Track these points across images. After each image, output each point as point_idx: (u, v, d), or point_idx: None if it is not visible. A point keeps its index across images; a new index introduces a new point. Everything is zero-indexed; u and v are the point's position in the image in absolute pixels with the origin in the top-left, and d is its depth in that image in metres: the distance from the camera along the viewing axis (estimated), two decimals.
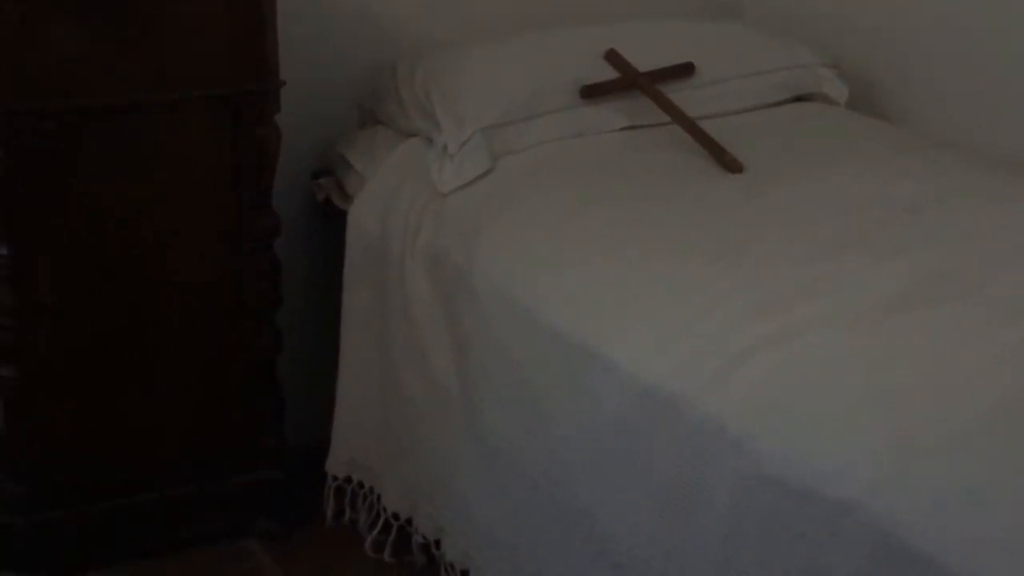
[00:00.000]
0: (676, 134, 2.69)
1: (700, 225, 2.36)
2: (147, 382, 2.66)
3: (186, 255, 2.63)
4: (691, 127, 2.68)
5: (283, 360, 2.78)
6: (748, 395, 1.92)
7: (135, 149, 2.54)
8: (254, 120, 2.60)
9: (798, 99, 2.98)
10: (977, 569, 1.60)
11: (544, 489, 2.24)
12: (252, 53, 2.56)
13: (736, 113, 2.84)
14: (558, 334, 2.23)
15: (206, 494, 2.76)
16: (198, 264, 2.64)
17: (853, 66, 3.06)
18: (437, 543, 2.56)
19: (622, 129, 2.76)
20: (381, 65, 2.93)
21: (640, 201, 2.47)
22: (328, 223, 2.93)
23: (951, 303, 2.05)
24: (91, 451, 2.65)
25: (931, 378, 1.88)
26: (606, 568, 2.10)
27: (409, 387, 2.59)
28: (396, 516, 2.67)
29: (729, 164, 2.57)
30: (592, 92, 2.76)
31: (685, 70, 2.85)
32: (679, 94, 2.78)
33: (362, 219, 2.70)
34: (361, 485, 2.76)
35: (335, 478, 2.78)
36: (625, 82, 2.77)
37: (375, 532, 2.71)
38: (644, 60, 2.80)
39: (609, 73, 2.78)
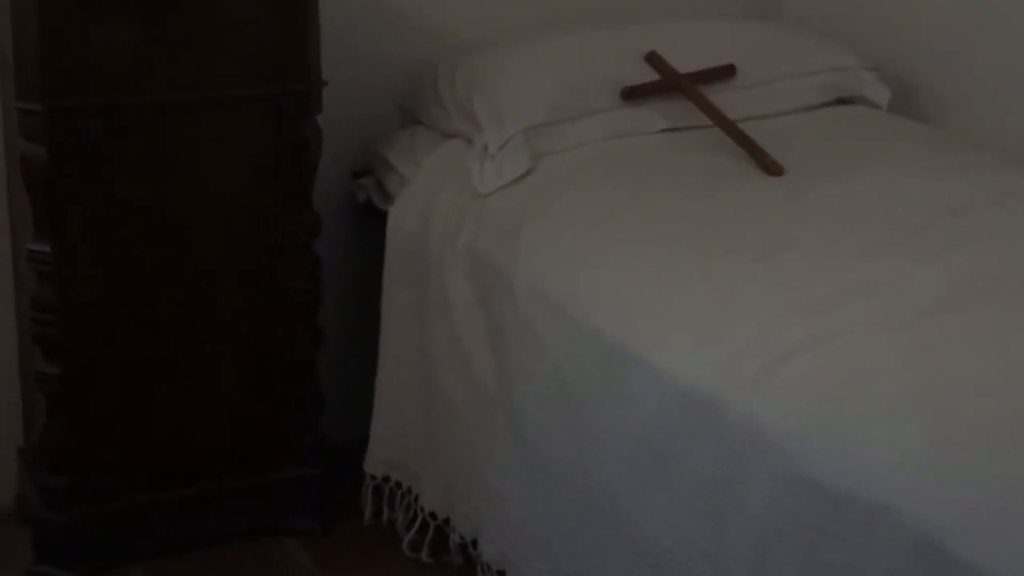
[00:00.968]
0: (716, 136, 2.68)
1: (740, 227, 2.35)
2: (187, 378, 2.67)
3: (228, 252, 2.64)
4: (732, 129, 2.67)
5: (322, 358, 2.79)
6: (787, 396, 1.92)
7: (179, 147, 2.56)
8: (296, 119, 2.62)
9: (839, 101, 2.97)
10: (1015, 574, 1.59)
11: (582, 489, 2.24)
12: (295, 53, 2.58)
13: (777, 115, 2.84)
14: (598, 334, 2.23)
15: (244, 490, 2.77)
16: (239, 262, 2.65)
17: (894, 68, 3.05)
18: (474, 543, 2.56)
19: (662, 131, 2.76)
20: (422, 66, 2.94)
21: (680, 203, 2.46)
22: (368, 222, 2.94)
23: (991, 305, 2.04)
24: (131, 447, 2.66)
25: (970, 380, 1.87)
26: (644, 568, 2.10)
27: (448, 387, 2.60)
28: (434, 515, 2.67)
29: (769, 166, 2.56)
30: (633, 94, 2.76)
31: (726, 72, 2.84)
32: (720, 96, 2.78)
33: (402, 219, 2.71)
34: (399, 484, 2.76)
35: (373, 477, 2.79)
36: (666, 84, 2.77)
37: (413, 531, 2.71)
38: (685, 62, 2.79)
39: (650, 75, 2.78)
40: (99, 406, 2.62)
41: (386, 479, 2.78)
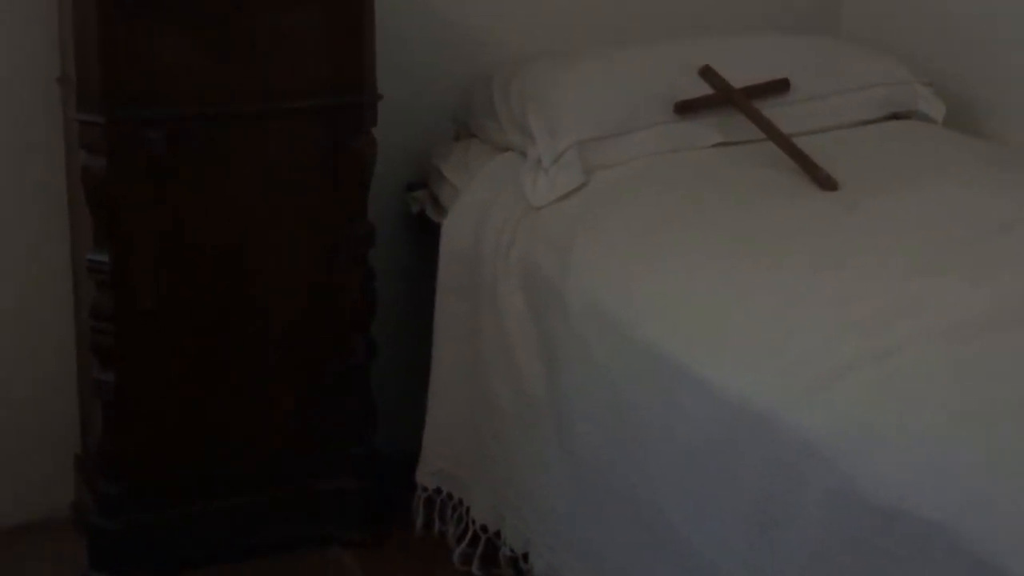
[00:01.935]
0: (770, 151, 2.68)
1: (794, 241, 2.35)
2: (242, 387, 2.69)
3: (282, 263, 2.66)
4: (785, 144, 2.67)
5: (375, 369, 2.80)
6: (840, 412, 1.91)
7: (236, 158, 2.59)
8: (351, 132, 2.64)
9: (894, 116, 2.96)
10: None
11: (632, 503, 2.24)
12: (351, 66, 2.60)
13: (831, 130, 2.83)
14: (650, 348, 2.23)
15: (296, 500, 2.79)
16: (294, 272, 2.67)
17: (950, 83, 3.03)
18: (525, 556, 2.56)
19: (716, 145, 2.75)
20: (476, 79, 2.95)
21: (733, 217, 2.46)
22: (422, 234, 2.95)
23: None
24: (185, 455, 2.69)
25: None
26: None
27: (499, 399, 2.60)
28: (484, 528, 2.68)
29: (823, 181, 2.56)
30: (686, 108, 2.76)
31: (780, 86, 2.84)
32: (774, 110, 2.77)
33: (456, 231, 2.72)
34: (450, 496, 2.77)
35: (424, 489, 2.80)
36: (720, 98, 2.77)
37: (463, 544, 2.72)
38: (739, 76, 2.79)
39: (704, 89, 2.78)
40: (154, 414, 2.65)
41: (437, 491, 2.79)
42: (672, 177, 2.65)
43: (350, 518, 2.81)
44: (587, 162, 2.66)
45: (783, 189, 2.56)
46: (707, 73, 2.80)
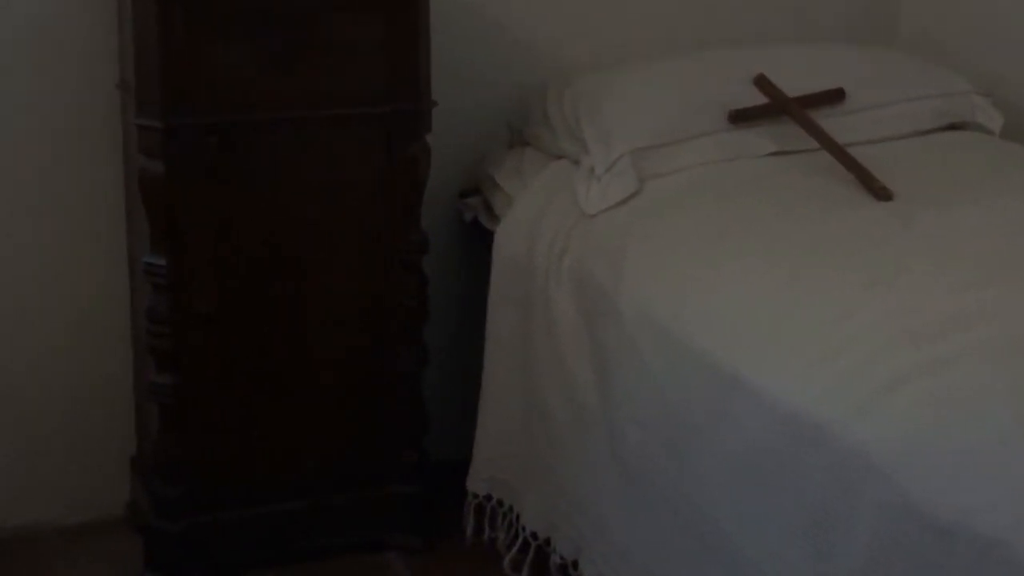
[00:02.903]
0: (825, 160, 2.67)
1: (848, 252, 2.34)
2: (294, 392, 2.71)
3: (337, 268, 2.68)
4: (840, 154, 2.66)
5: (427, 376, 2.81)
6: (896, 425, 1.90)
7: (291, 164, 2.60)
8: (406, 139, 2.65)
9: (951, 127, 2.94)
10: None
11: (684, 513, 2.24)
12: (406, 74, 2.61)
13: (887, 140, 2.82)
14: (702, 357, 2.23)
15: (348, 504, 2.80)
16: (348, 278, 2.69)
17: (1008, 94, 3.01)
18: (575, 564, 2.56)
19: (770, 154, 2.75)
20: (530, 87, 2.96)
21: (787, 227, 2.45)
22: (475, 242, 2.96)
23: None
24: (239, 458, 2.71)
25: None
26: None
27: (551, 406, 2.60)
28: (535, 535, 2.68)
29: (878, 191, 2.55)
30: (741, 117, 2.75)
31: (835, 96, 2.83)
32: (829, 120, 2.76)
33: (508, 239, 2.73)
34: (501, 503, 2.77)
35: (475, 495, 2.80)
36: (774, 107, 2.77)
37: (514, 550, 2.72)
38: (794, 85, 2.79)
39: (758, 98, 2.78)
40: (209, 417, 2.67)
41: (488, 497, 2.79)
42: (726, 186, 2.64)
43: (402, 523, 2.82)
44: (640, 170, 2.66)
45: (838, 199, 2.55)
46: (762, 82, 2.79)
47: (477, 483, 2.80)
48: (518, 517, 2.72)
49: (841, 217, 2.47)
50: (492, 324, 2.75)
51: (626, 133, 2.69)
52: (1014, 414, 1.86)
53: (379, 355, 2.74)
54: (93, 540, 2.87)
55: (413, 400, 2.79)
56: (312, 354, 2.70)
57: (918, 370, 1.96)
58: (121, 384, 2.90)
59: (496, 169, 2.91)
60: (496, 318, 2.74)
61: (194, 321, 2.60)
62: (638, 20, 3.13)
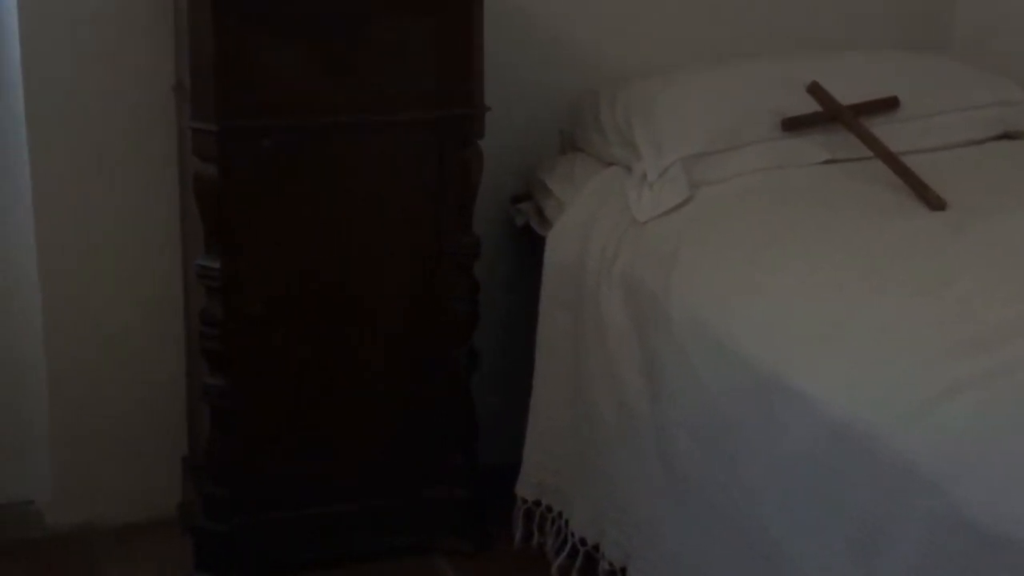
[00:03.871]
0: (878, 169, 2.66)
1: (900, 260, 2.32)
2: (346, 394, 2.72)
3: (388, 272, 2.69)
4: (894, 162, 2.64)
5: (478, 380, 2.82)
6: (946, 434, 1.89)
7: (343, 168, 2.62)
8: (458, 144, 2.66)
9: (1005, 136, 2.92)
10: None
11: (732, 519, 2.24)
12: (459, 78, 2.62)
13: (941, 149, 2.80)
14: (752, 364, 2.22)
15: (397, 508, 2.81)
16: (399, 282, 2.70)
17: None
18: (623, 570, 2.56)
19: (823, 163, 2.74)
20: (582, 92, 2.96)
21: (839, 234, 2.44)
22: (526, 246, 2.97)
23: None
24: (290, 460, 2.72)
25: None
26: None
27: (600, 411, 2.61)
28: (584, 541, 2.68)
29: (932, 200, 2.53)
30: (794, 124, 2.75)
31: (889, 104, 2.82)
32: (883, 128, 2.75)
33: (560, 244, 2.73)
34: (550, 508, 2.78)
35: (524, 500, 2.81)
36: (828, 115, 2.75)
37: (562, 556, 2.72)
38: (848, 93, 2.77)
39: (811, 106, 2.77)
40: (261, 419, 2.69)
41: (537, 503, 2.80)
42: (778, 194, 2.63)
43: (451, 527, 2.83)
44: (692, 177, 2.66)
45: (891, 208, 2.53)
46: (815, 90, 2.78)
47: (526, 488, 2.80)
48: (567, 523, 2.73)
49: (893, 226, 2.46)
50: (543, 329, 2.75)
51: (678, 140, 2.69)
52: None
53: (429, 358, 2.75)
54: (145, 540, 2.90)
55: (463, 404, 2.80)
56: (363, 357, 2.72)
57: (969, 380, 1.95)
58: (175, 386, 2.93)
59: (548, 175, 2.92)
60: (546, 323, 2.75)
61: (246, 323, 2.62)
62: (692, 26, 3.13)
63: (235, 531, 2.70)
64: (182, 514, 2.91)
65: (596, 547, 2.65)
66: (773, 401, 2.15)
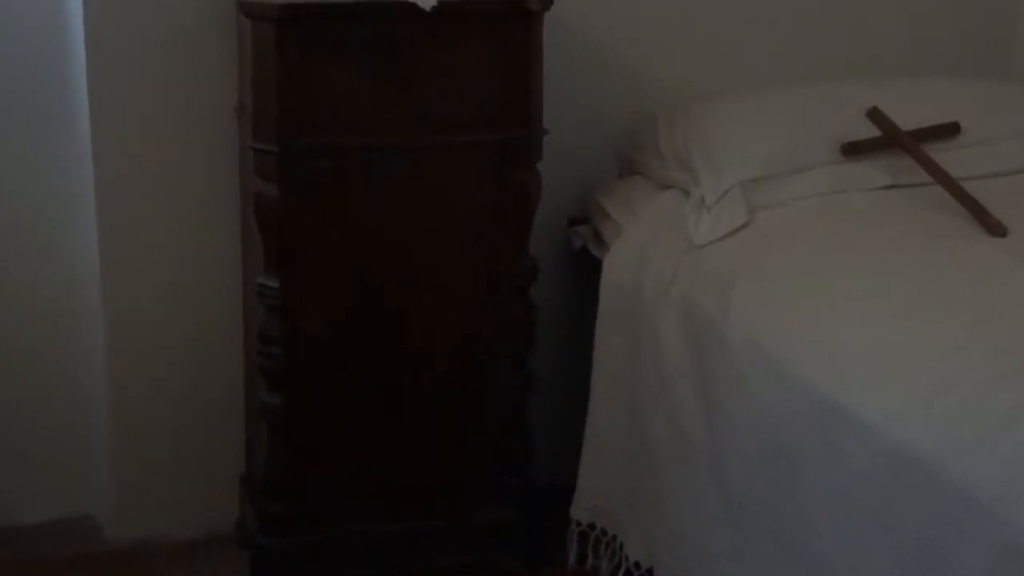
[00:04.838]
0: (938, 195, 2.65)
1: (960, 286, 2.31)
2: (401, 414, 2.73)
3: (446, 294, 2.70)
4: (954, 188, 2.63)
5: (533, 402, 2.82)
6: (1006, 463, 1.87)
7: (403, 189, 2.63)
8: (517, 166, 2.66)
9: None
10: None
11: (788, 546, 2.23)
12: (518, 101, 2.63)
13: (1002, 175, 2.78)
14: (810, 390, 2.21)
15: (451, 528, 2.81)
16: (457, 303, 2.71)
17: None
18: None
19: (882, 188, 2.73)
20: (640, 116, 2.97)
21: (898, 260, 2.43)
22: (583, 269, 2.97)
23: None
24: (345, 478, 2.73)
25: None
26: None
27: (655, 435, 2.60)
28: (637, 565, 2.67)
29: (992, 227, 2.52)
30: (853, 149, 2.74)
31: (950, 130, 2.81)
32: (943, 154, 2.74)
33: (617, 267, 2.74)
34: (604, 531, 2.77)
35: (579, 523, 2.80)
36: (887, 140, 2.75)
37: None
38: (908, 118, 2.77)
39: (871, 130, 2.76)
40: (316, 437, 2.70)
41: (591, 525, 2.79)
42: (837, 219, 2.62)
43: (505, 548, 2.83)
44: (751, 201, 2.66)
45: (951, 234, 2.52)
46: (875, 115, 2.78)
47: (580, 511, 2.80)
48: (621, 546, 2.72)
49: (953, 252, 2.45)
50: (599, 351, 2.75)
51: (737, 163, 2.69)
52: None
53: (485, 380, 2.76)
54: (203, 556, 2.92)
55: (518, 425, 2.80)
56: (419, 377, 2.72)
57: None
58: (233, 403, 2.95)
59: (606, 198, 2.92)
60: (603, 346, 2.75)
61: (304, 342, 2.64)
62: (751, 49, 3.13)
63: (291, 548, 2.71)
64: (239, 531, 2.93)
65: (650, 571, 2.65)
66: (831, 426, 2.14)
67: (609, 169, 3.04)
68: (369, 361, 2.69)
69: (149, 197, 2.84)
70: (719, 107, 2.85)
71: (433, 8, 2.51)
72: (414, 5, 2.51)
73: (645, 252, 2.70)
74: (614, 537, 2.75)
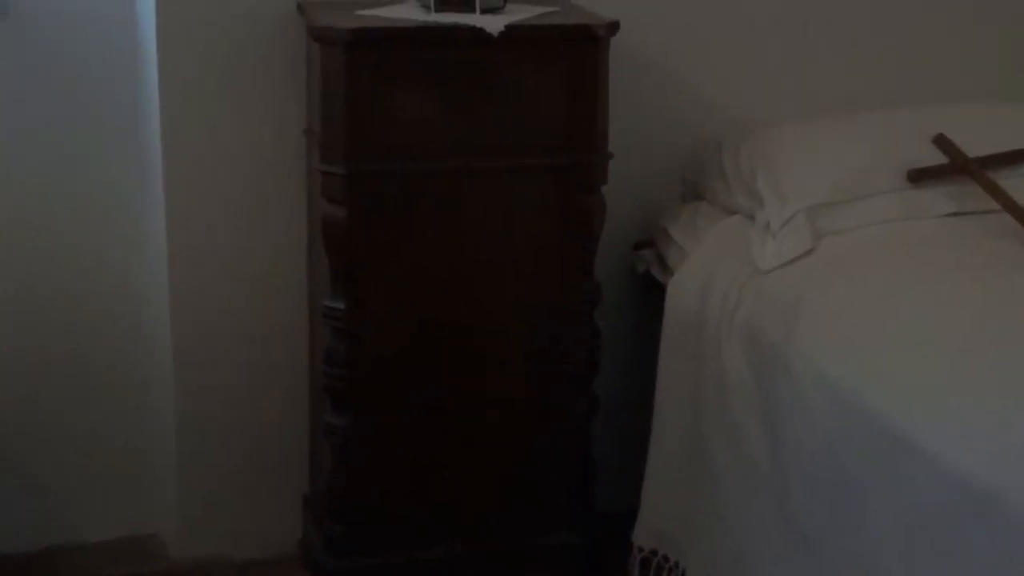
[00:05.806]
0: (1005, 222, 2.63)
1: None
2: (465, 437, 2.74)
3: (510, 317, 2.70)
4: (1021, 215, 2.61)
5: (596, 425, 2.82)
6: None
7: (469, 212, 2.65)
8: (582, 190, 2.67)
9: None
10: None
11: (852, 575, 2.22)
12: (584, 125, 2.64)
13: None
14: (875, 418, 2.20)
15: (513, 552, 2.81)
16: (521, 326, 2.71)
17: None
18: None
19: (949, 215, 2.71)
20: (705, 141, 2.97)
21: (964, 288, 2.42)
22: (647, 294, 2.97)
23: None
24: (408, 500, 2.74)
25: None
26: None
27: (719, 462, 2.60)
28: None
29: None
30: (920, 176, 2.73)
31: (1017, 157, 2.79)
32: (1010, 181, 2.72)
33: (681, 292, 2.73)
34: (666, 558, 2.76)
35: (641, 549, 2.80)
36: (954, 167, 2.73)
37: None
38: (974, 145, 2.75)
39: (938, 157, 2.75)
40: (380, 459, 2.71)
41: (654, 551, 2.78)
42: (903, 245, 2.61)
43: (566, 573, 2.82)
44: (816, 227, 2.65)
45: (1018, 262, 2.51)
46: (942, 141, 2.76)
47: (643, 536, 2.79)
48: (683, 573, 2.71)
49: (1019, 280, 2.43)
50: (662, 376, 2.75)
51: (803, 189, 2.68)
52: None
53: (548, 404, 2.76)
54: (266, 575, 2.94)
55: (581, 450, 2.80)
56: (482, 401, 2.73)
57: None
58: (298, 423, 2.97)
59: (670, 222, 2.93)
60: (667, 371, 2.74)
61: (369, 364, 2.65)
62: (817, 75, 3.12)
63: (354, 569, 2.72)
64: (303, 551, 2.94)
65: None
66: (898, 455, 2.13)
67: (674, 194, 3.04)
68: (431, 384, 2.70)
69: (217, 219, 2.87)
70: (784, 132, 2.85)
71: (500, 33, 2.54)
72: (481, 30, 2.54)
73: (709, 277, 2.69)
74: (676, 564, 2.74)
